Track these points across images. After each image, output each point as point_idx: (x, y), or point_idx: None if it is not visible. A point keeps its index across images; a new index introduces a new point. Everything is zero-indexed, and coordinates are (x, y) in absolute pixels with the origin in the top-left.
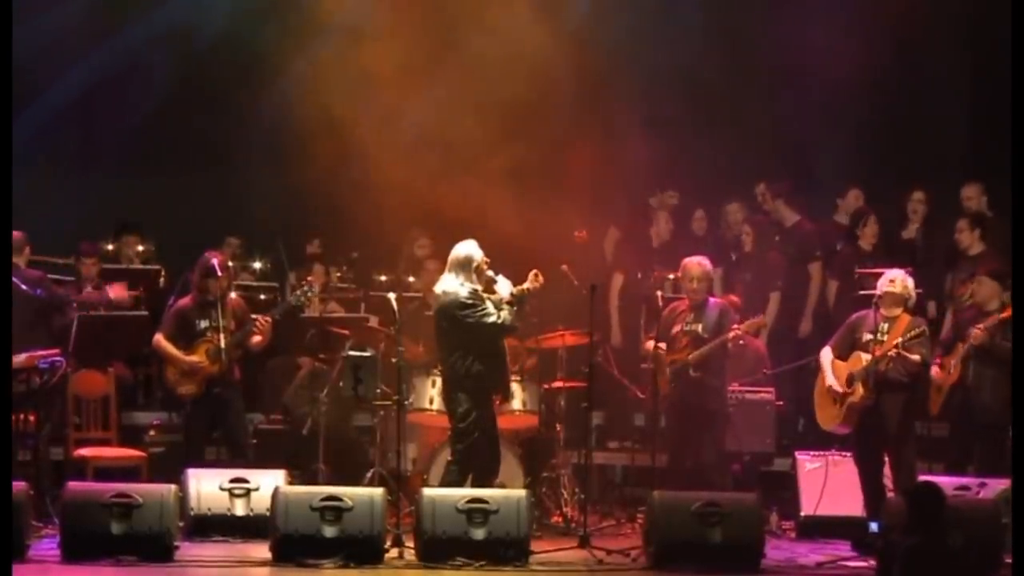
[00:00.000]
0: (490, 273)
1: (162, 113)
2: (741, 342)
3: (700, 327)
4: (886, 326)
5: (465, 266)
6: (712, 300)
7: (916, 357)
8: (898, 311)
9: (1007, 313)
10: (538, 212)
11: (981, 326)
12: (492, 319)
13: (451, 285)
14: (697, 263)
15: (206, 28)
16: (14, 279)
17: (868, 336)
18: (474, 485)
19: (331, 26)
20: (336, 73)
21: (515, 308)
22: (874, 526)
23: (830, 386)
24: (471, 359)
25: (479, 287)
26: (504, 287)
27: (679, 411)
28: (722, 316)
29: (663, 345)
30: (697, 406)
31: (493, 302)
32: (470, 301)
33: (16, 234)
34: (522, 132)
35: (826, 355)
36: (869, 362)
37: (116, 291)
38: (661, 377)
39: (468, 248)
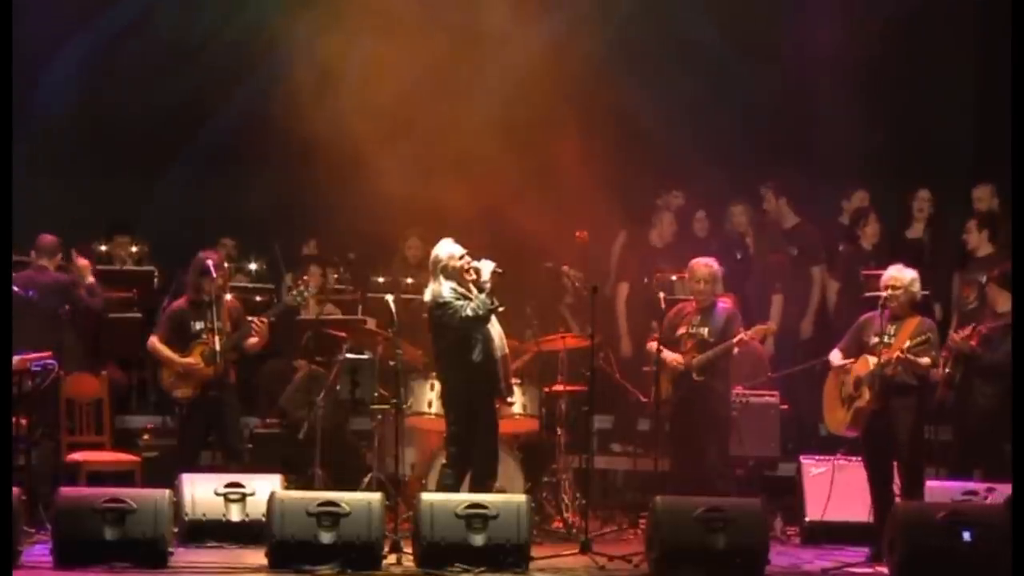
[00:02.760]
0: (475, 264)
1: (156, 113)
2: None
3: (706, 331)
4: (893, 328)
5: (434, 268)
6: (721, 305)
7: (925, 360)
8: (904, 312)
9: (990, 323)
10: (539, 212)
11: (958, 334)
12: (461, 315)
13: (430, 289)
14: (705, 264)
15: (199, 26)
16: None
17: (875, 339)
18: (473, 490)
19: (330, 25)
20: (334, 73)
21: (484, 295)
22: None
23: (848, 373)
24: (458, 361)
25: (454, 284)
26: (487, 269)
27: (682, 415)
28: (729, 322)
29: (664, 350)
30: (700, 410)
31: (462, 295)
32: (441, 301)
33: (49, 238)
34: (523, 132)
35: (835, 357)
36: (876, 366)
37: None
38: (664, 380)
39: (435, 249)
